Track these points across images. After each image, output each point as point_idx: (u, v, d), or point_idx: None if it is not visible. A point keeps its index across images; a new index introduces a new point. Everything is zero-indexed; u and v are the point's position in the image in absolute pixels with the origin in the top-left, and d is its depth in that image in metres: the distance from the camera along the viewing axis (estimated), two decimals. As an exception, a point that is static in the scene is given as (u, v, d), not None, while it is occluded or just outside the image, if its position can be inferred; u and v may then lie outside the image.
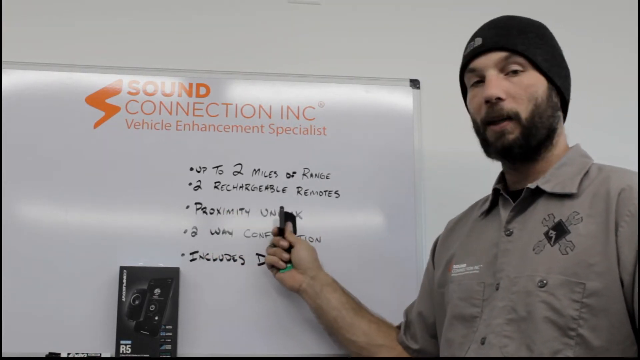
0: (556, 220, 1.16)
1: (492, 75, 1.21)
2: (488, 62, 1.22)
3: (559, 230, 1.14)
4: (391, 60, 1.83)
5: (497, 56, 1.22)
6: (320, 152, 1.72)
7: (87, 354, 1.54)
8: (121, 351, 1.53)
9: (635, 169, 1.20)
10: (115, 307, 1.55)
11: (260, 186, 1.68)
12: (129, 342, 1.53)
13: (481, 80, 1.24)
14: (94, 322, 1.56)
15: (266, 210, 1.67)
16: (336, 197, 1.71)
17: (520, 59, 1.21)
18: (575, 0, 1.94)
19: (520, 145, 1.20)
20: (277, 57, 1.79)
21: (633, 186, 1.12)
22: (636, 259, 1.07)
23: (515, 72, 1.21)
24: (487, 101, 1.21)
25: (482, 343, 1.16)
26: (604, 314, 1.08)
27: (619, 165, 1.21)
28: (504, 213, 1.24)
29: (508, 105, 1.19)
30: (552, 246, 1.14)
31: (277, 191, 1.69)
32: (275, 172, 1.70)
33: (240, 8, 1.82)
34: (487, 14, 1.31)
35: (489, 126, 1.22)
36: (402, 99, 1.78)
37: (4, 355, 1.51)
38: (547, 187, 1.19)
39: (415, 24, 1.87)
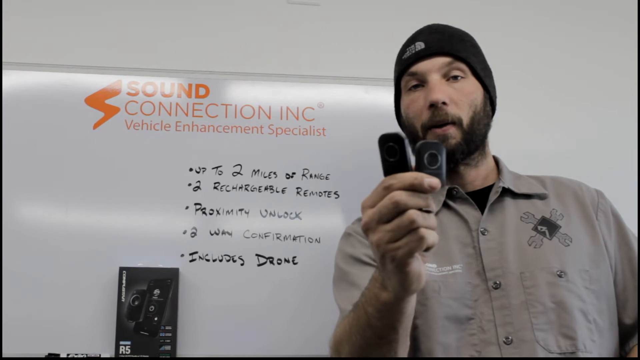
0: (538, 217, 1.19)
1: (436, 79, 1.22)
2: (431, 66, 1.23)
3: (549, 225, 1.18)
4: (391, 61, 1.81)
5: (440, 61, 1.22)
6: (319, 153, 1.72)
7: (86, 354, 1.54)
8: (121, 352, 1.53)
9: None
10: (115, 308, 1.56)
11: (260, 187, 1.68)
12: (129, 342, 1.54)
13: (420, 85, 1.24)
14: (93, 323, 1.56)
15: (265, 211, 1.67)
16: (336, 198, 1.71)
17: (462, 65, 1.23)
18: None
19: (462, 150, 1.21)
20: (276, 57, 1.79)
21: (583, 184, 1.26)
22: (619, 244, 1.18)
23: (455, 77, 1.22)
24: (432, 105, 1.20)
25: (508, 343, 1.10)
26: (604, 298, 1.14)
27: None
28: (466, 211, 1.21)
29: (452, 110, 1.20)
30: (550, 239, 1.16)
31: (277, 192, 1.69)
32: (274, 173, 1.70)
33: (239, 9, 1.82)
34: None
35: (431, 130, 1.21)
36: (401, 99, 1.78)
37: (4, 356, 1.52)
38: (515, 188, 1.23)
39: (414, 24, 1.85)
